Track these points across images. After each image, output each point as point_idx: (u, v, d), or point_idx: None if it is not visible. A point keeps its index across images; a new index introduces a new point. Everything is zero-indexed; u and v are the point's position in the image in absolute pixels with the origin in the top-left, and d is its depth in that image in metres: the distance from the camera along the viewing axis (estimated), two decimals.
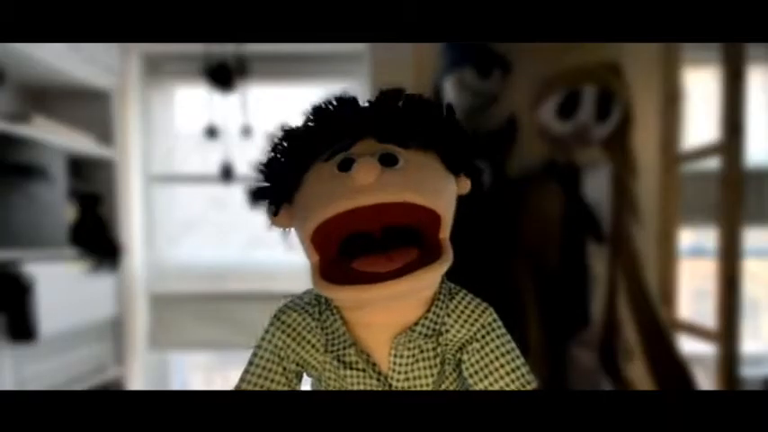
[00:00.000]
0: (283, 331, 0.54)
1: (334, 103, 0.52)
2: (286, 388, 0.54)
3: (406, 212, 0.46)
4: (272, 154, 0.52)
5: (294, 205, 0.51)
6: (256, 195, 0.52)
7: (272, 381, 0.54)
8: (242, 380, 0.54)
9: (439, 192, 0.49)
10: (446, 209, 0.49)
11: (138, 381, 2.18)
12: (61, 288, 1.69)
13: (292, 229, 0.52)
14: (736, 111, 1.36)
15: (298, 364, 0.55)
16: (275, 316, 0.55)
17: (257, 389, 0.53)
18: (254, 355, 0.55)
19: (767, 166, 1.94)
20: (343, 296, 0.47)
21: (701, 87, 1.87)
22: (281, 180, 0.51)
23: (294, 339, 0.54)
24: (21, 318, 1.52)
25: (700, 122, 1.79)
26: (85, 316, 1.83)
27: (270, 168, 0.52)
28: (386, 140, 0.49)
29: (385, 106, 0.51)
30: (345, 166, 0.47)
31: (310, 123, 0.52)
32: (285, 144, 0.52)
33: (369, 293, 0.45)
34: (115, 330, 2.03)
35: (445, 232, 0.49)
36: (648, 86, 1.65)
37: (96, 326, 1.91)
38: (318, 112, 0.52)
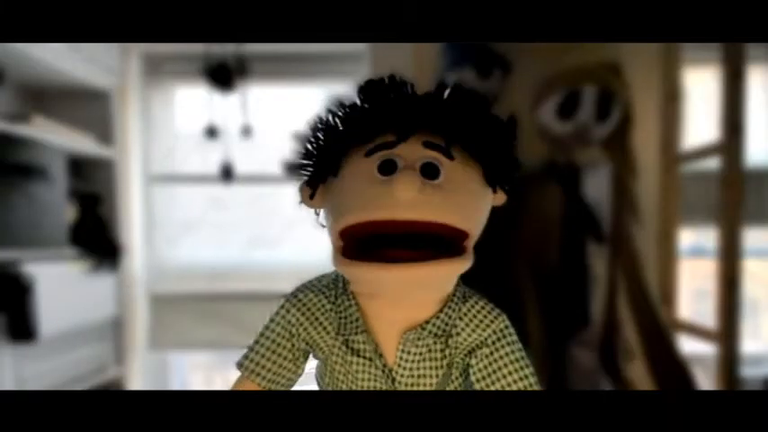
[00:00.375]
0: (298, 309, 0.54)
1: (390, 87, 0.49)
2: (291, 364, 0.54)
3: (439, 228, 0.47)
4: (318, 130, 0.51)
5: (328, 190, 0.50)
6: (293, 169, 0.52)
7: (280, 355, 0.54)
8: (251, 349, 0.55)
9: (475, 213, 0.49)
10: (477, 227, 0.50)
11: (138, 381, 2.18)
12: (61, 288, 1.69)
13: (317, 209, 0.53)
14: (736, 111, 1.36)
15: (307, 344, 0.55)
16: (292, 294, 0.56)
17: (264, 361, 0.54)
18: (266, 327, 0.55)
19: (767, 166, 1.94)
20: (363, 273, 0.47)
21: (701, 87, 1.87)
22: (321, 161, 0.50)
23: (308, 318, 0.54)
24: (21, 318, 1.52)
25: (700, 122, 1.78)
26: (85, 316, 1.82)
27: (312, 145, 0.51)
28: (432, 147, 0.48)
29: (440, 107, 0.49)
30: (386, 168, 0.46)
31: (360, 104, 0.50)
32: (330, 124, 0.51)
33: (390, 272, 0.45)
34: (115, 330, 2.03)
35: (470, 242, 0.50)
36: (648, 86, 1.65)
37: (96, 326, 1.91)
38: (372, 93, 0.50)
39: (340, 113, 0.50)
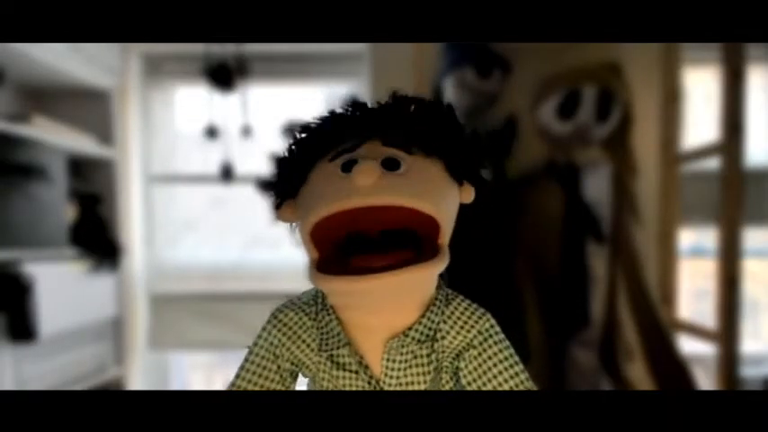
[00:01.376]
0: (279, 330, 0.54)
1: (346, 104, 0.52)
2: (280, 387, 0.54)
3: (404, 216, 0.47)
4: (286, 148, 0.53)
5: (298, 201, 0.51)
6: (264, 186, 0.53)
7: (267, 378, 0.54)
8: (237, 376, 0.54)
9: (438, 198, 0.48)
10: (445, 216, 0.49)
11: (138, 381, 2.18)
12: (61, 288, 1.69)
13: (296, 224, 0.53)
14: (736, 111, 1.36)
15: (293, 363, 0.55)
16: (272, 314, 0.55)
17: (251, 386, 0.53)
18: (250, 352, 0.55)
19: (767, 166, 1.94)
20: (337, 287, 0.47)
21: (701, 87, 1.88)
22: (288, 175, 0.52)
23: (290, 338, 0.54)
24: (21, 318, 1.52)
25: (700, 122, 1.79)
26: (85, 316, 1.83)
27: (279, 162, 0.53)
28: (390, 144, 0.49)
29: (393, 110, 0.51)
30: (348, 167, 0.47)
31: (321, 122, 0.52)
32: (296, 140, 0.52)
33: (361, 284, 0.45)
34: (115, 330, 2.03)
35: (444, 238, 0.49)
36: (648, 86, 1.65)
37: (96, 326, 1.91)
38: (329, 112, 0.52)
39: (304, 133, 0.52)
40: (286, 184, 0.52)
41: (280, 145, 0.53)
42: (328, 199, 0.46)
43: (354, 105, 0.52)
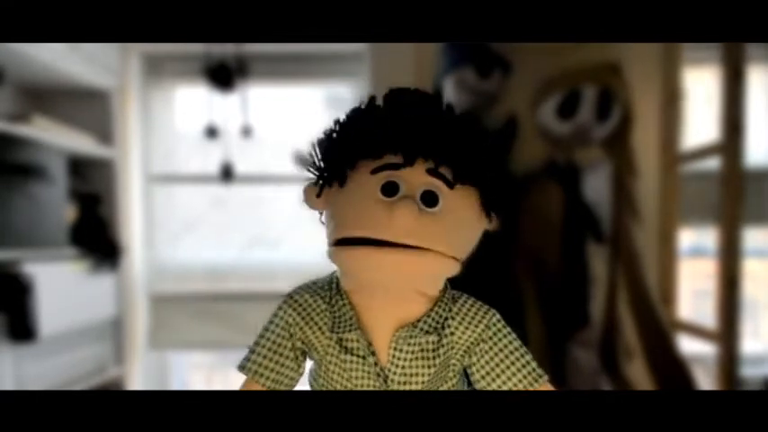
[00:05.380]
0: (294, 309, 0.56)
1: (407, 104, 0.52)
2: (293, 363, 0.56)
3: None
4: (334, 134, 0.53)
5: (333, 196, 0.52)
6: (304, 165, 0.54)
7: (281, 354, 0.55)
8: (251, 351, 0.56)
9: (467, 242, 0.53)
10: (467, 252, 0.53)
11: (138, 381, 2.18)
12: (61, 288, 1.69)
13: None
14: (736, 111, 1.36)
15: (303, 343, 0.56)
16: (288, 295, 0.57)
17: (267, 362, 0.55)
18: (265, 329, 0.57)
19: (767, 166, 1.94)
20: (356, 253, 0.49)
21: (701, 87, 1.88)
22: (331, 166, 0.52)
23: (303, 318, 0.56)
24: (21, 318, 1.53)
25: (700, 122, 1.79)
26: (85, 316, 1.83)
27: (327, 146, 0.53)
28: (434, 175, 0.50)
29: (448, 138, 0.51)
30: (388, 189, 0.49)
31: (377, 120, 0.52)
32: (345, 130, 0.52)
33: (378, 253, 0.47)
34: (115, 330, 2.03)
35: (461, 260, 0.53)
36: (648, 86, 1.65)
37: (96, 326, 1.91)
38: (390, 106, 0.52)
39: (354, 122, 0.52)
40: (328, 174, 0.52)
41: (331, 127, 0.53)
42: (365, 224, 0.49)
43: (411, 111, 0.51)
